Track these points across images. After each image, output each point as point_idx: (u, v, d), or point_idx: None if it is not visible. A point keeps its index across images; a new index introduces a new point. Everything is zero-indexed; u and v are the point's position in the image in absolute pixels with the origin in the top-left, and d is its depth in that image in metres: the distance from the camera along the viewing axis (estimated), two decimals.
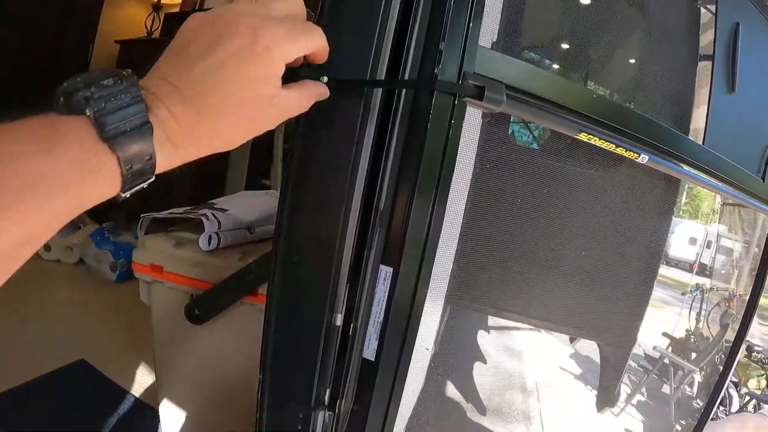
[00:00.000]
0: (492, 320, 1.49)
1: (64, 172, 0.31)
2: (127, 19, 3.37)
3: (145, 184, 0.37)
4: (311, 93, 0.49)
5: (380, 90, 0.59)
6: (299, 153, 0.60)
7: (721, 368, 1.65)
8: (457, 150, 0.58)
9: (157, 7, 3.38)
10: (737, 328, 1.59)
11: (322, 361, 0.63)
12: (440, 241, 0.65)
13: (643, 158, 0.77)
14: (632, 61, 1.08)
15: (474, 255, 0.79)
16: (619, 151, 0.74)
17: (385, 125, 0.59)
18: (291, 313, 0.64)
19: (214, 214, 1.14)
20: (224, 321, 1.11)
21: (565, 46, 0.97)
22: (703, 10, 1.10)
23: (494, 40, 0.70)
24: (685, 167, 0.90)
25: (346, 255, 0.61)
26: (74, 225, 2.77)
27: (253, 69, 0.39)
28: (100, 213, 2.84)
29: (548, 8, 0.94)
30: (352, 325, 0.63)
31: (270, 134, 3.05)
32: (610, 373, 1.18)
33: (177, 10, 3.38)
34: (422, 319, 0.62)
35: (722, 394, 1.62)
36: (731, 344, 1.57)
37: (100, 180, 0.34)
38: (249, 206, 1.28)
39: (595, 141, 0.68)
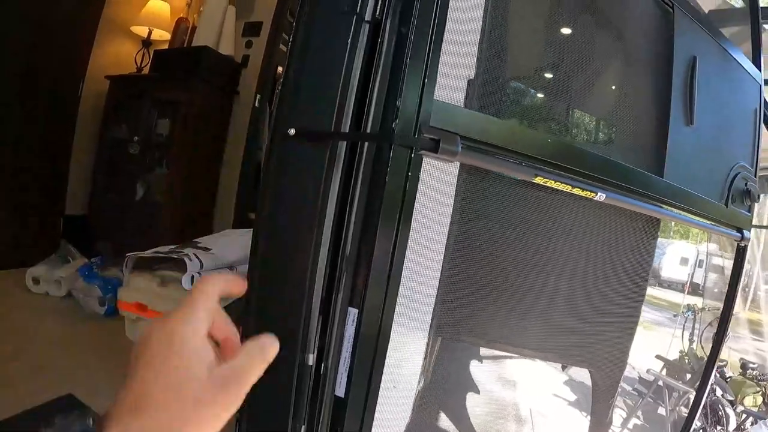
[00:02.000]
0: (484, 349, 1.50)
1: None
2: (118, 55, 3.43)
3: None
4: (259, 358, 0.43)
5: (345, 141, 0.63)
6: (268, 201, 0.64)
7: (698, 383, 1.67)
8: (415, 199, 0.62)
9: (146, 44, 3.44)
10: (712, 342, 1.61)
11: (296, 398, 0.66)
12: (421, 278, 0.69)
13: (600, 196, 0.81)
14: (605, 94, 1.10)
15: (458, 289, 0.81)
16: (576, 191, 0.78)
17: (350, 174, 0.63)
18: None
19: (196, 255, 1.17)
20: None
21: (543, 79, 1.00)
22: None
23: (470, 77, 0.74)
24: (645, 201, 0.94)
25: (315, 298, 0.64)
26: (63, 258, 2.77)
27: (174, 361, 0.40)
28: (88, 247, 2.85)
29: (524, 47, 0.97)
30: (323, 364, 0.65)
31: (258, 168, 3.10)
32: (601, 398, 1.18)
33: (166, 46, 3.45)
34: (389, 357, 0.65)
35: (700, 408, 1.64)
36: (706, 359, 1.59)
37: None
38: (232, 245, 1.31)
39: (551, 183, 0.72)
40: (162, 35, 3.44)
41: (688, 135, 1.07)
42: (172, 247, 1.26)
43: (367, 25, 0.63)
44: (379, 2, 0.62)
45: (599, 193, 0.80)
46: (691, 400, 3.35)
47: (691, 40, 1.09)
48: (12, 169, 2.95)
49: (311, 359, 0.66)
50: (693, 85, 1.06)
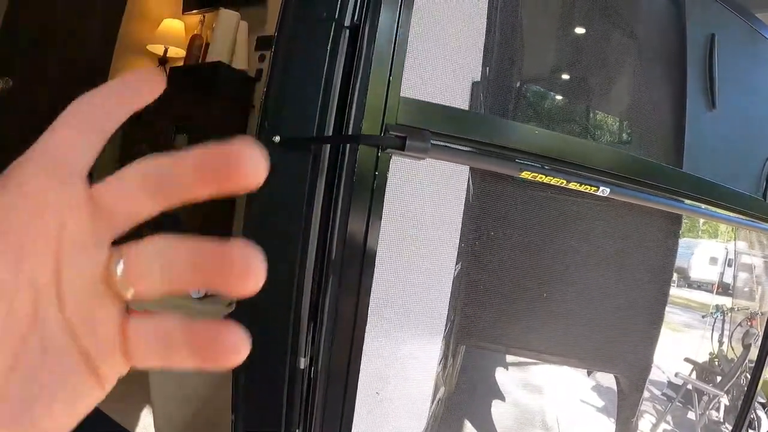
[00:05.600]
0: (509, 356, 1.47)
1: None
2: None
3: None
4: None
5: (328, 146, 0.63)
6: (255, 207, 0.64)
7: (745, 390, 1.58)
8: (383, 200, 0.61)
9: (163, 61, 3.50)
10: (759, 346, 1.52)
11: (289, 401, 0.66)
12: (432, 285, 0.68)
13: (604, 191, 0.76)
14: (611, 79, 1.04)
15: (474, 296, 0.80)
16: (573, 185, 0.74)
17: (335, 178, 0.63)
18: (256, 358, 0.66)
19: None
20: None
21: (556, 79, 0.97)
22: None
23: (476, 79, 0.73)
24: (661, 195, 0.87)
25: (305, 302, 0.64)
26: None
27: None
28: None
29: (529, 46, 0.94)
30: (313, 367, 0.65)
31: None
32: (627, 403, 1.15)
33: (182, 63, 3.50)
34: (367, 361, 0.64)
35: (749, 417, 1.55)
36: (754, 364, 1.50)
37: None
38: None
39: (541, 178, 0.70)
40: (177, 52, 3.49)
41: (710, 121, 1.00)
42: None
43: (347, 31, 0.63)
44: (357, 8, 0.63)
45: (601, 188, 0.75)
46: (723, 404, 3.24)
47: (708, 16, 1.02)
48: None
49: (303, 363, 0.66)
50: (712, 64, 0.98)
